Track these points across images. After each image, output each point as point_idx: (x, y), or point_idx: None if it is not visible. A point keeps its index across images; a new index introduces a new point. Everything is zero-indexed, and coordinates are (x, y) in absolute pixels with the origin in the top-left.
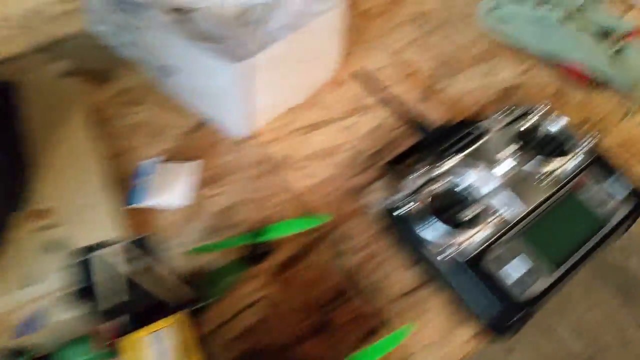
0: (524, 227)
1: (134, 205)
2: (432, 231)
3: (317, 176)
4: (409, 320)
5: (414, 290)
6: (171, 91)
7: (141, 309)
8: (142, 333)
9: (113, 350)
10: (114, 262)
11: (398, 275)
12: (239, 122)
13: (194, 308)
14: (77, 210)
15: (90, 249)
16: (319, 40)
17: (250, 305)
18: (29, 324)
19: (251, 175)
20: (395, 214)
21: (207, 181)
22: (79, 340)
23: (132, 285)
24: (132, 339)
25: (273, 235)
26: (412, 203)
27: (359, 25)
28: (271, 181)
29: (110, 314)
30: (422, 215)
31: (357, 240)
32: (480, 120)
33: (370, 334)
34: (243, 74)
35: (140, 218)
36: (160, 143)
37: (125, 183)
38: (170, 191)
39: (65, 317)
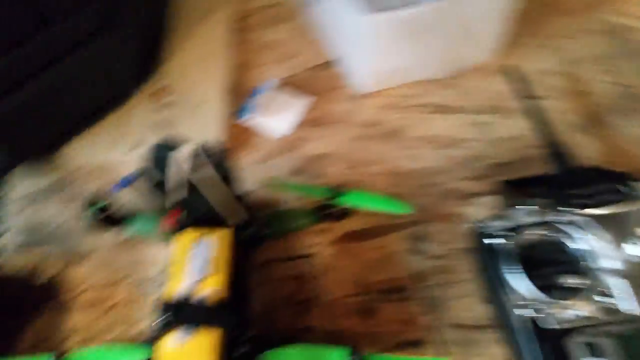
0: (630, 327)
1: (241, 120)
2: (519, 279)
3: (424, 162)
4: (455, 356)
5: (477, 327)
6: (312, 20)
7: (198, 215)
8: (190, 235)
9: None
10: (186, 164)
11: (468, 303)
12: (362, 75)
13: (247, 235)
14: (191, 103)
15: (168, 147)
16: (475, 16)
17: (306, 256)
18: (123, 182)
19: (356, 134)
20: (485, 241)
21: (313, 122)
22: (149, 216)
23: (194, 190)
24: (182, 236)
25: (354, 201)
26: (506, 239)
27: (539, 18)
28: (374, 148)
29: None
30: (513, 258)
31: (438, 247)
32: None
33: (410, 345)
34: (370, 27)
35: (240, 134)
36: (286, 69)
37: (241, 96)
38: (277, 119)
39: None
